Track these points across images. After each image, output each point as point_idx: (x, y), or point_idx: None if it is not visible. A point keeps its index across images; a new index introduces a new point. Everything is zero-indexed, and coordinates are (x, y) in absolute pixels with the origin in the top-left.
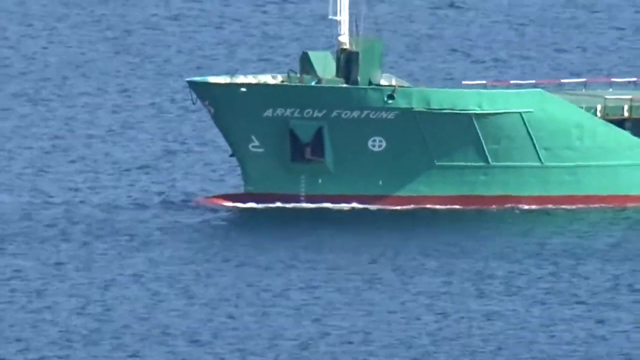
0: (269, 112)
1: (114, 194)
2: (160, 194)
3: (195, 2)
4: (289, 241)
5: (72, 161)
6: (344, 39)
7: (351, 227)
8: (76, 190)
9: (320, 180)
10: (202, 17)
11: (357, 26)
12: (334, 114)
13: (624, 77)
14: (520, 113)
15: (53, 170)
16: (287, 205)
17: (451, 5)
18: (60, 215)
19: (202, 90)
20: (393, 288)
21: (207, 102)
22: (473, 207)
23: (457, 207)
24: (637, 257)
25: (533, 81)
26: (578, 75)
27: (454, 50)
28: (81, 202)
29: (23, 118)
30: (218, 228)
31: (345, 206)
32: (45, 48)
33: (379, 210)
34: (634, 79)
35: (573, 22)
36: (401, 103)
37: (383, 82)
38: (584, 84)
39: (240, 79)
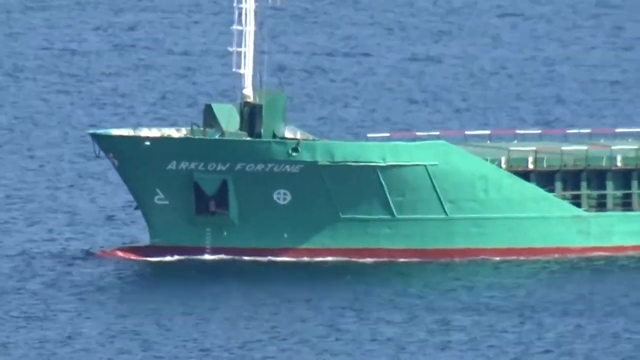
0: (173, 165)
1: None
2: (64, 245)
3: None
4: (196, 293)
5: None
6: (248, 92)
7: (256, 279)
8: None
9: (225, 233)
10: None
11: (260, 79)
12: (238, 167)
13: (529, 129)
14: (424, 165)
15: None
16: (193, 257)
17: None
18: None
19: (106, 143)
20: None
21: (110, 155)
22: (378, 260)
23: (361, 260)
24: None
25: (437, 133)
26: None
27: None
28: None
29: None
30: (125, 281)
31: (250, 259)
32: None
33: (283, 262)
34: (539, 131)
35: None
36: (305, 156)
37: (287, 134)
38: (489, 136)
39: (144, 132)
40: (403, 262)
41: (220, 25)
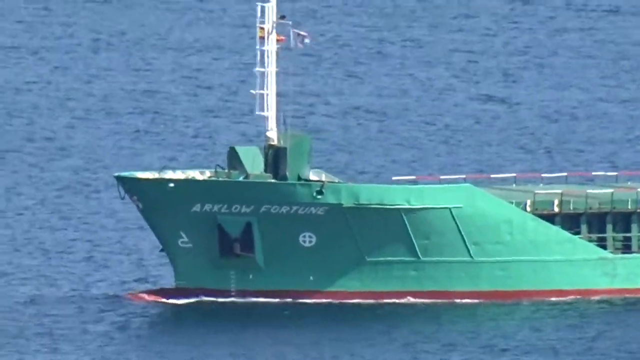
0: (197, 208)
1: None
2: (91, 287)
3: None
4: (226, 337)
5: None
6: (272, 134)
7: (282, 322)
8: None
9: (250, 276)
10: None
11: (285, 122)
12: (263, 209)
13: (553, 173)
14: (449, 208)
15: None
16: (219, 300)
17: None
18: None
19: (130, 186)
20: None
21: (135, 197)
22: (406, 302)
23: (390, 301)
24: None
25: (463, 176)
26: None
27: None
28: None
29: None
30: (153, 324)
31: (276, 301)
32: None
33: (310, 304)
34: (565, 174)
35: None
36: (330, 199)
37: (312, 177)
38: (514, 179)
39: (169, 174)
40: (429, 303)
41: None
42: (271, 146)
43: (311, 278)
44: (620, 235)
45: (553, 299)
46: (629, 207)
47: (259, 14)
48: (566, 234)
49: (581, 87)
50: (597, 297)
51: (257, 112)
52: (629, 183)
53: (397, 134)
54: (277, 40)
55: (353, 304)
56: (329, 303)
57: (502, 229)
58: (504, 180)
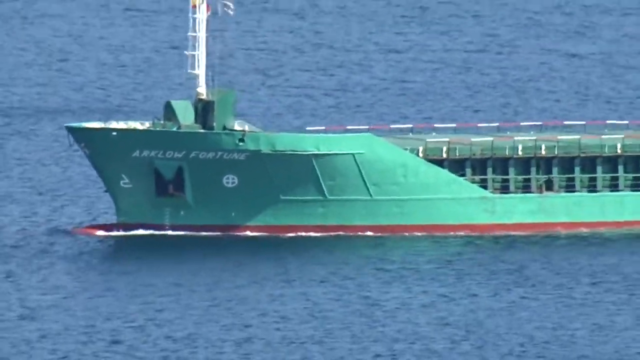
0: (136, 153)
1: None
2: (40, 223)
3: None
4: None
5: None
6: (202, 90)
7: (211, 252)
8: None
9: (182, 212)
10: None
11: (213, 79)
12: (193, 154)
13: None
14: (352, 154)
15: None
16: (155, 233)
17: None
18: None
19: (79, 134)
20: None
21: (82, 145)
22: (314, 234)
23: (300, 234)
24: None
25: (367, 127)
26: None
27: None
28: None
29: None
30: (98, 256)
31: (204, 234)
32: None
33: (233, 237)
34: (454, 125)
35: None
36: (250, 146)
37: (236, 127)
38: (411, 129)
39: (112, 125)
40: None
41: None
42: (200, 100)
43: (233, 214)
44: (499, 178)
45: (440, 232)
46: (507, 153)
47: None
48: (453, 176)
49: None
50: (478, 232)
51: (189, 71)
52: (507, 133)
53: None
54: (207, 9)
55: (269, 236)
56: (251, 236)
57: (397, 172)
58: (401, 130)
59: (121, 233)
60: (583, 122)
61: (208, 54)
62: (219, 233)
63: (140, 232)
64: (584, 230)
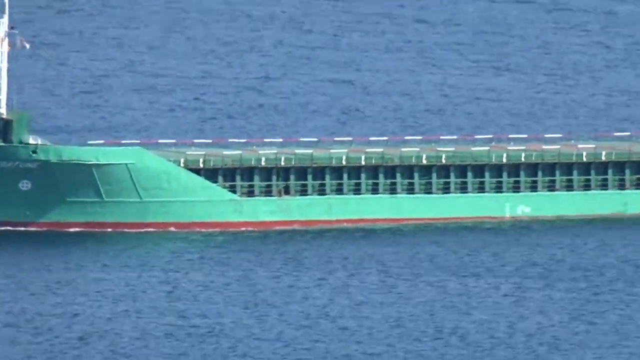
0: None
1: None
2: None
3: None
4: None
5: None
6: (3, 110)
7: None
8: None
9: None
10: None
11: (12, 101)
12: None
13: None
14: (125, 164)
15: None
16: None
17: None
18: None
19: None
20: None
21: None
22: (94, 230)
23: (82, 230)
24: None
25: (138, 141)
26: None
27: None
28: None
29: None
30: None
31: (3, 229)
32: None
33: (24, 232)
34: (210, 140)
35: None
36: (42, 156)
37: (31, 141)
38: (174, 144)
39: None
40: (111, 231)
41: None
42: (2, 119)
43: (27, 213)
44: (246, 184)
45: (198, 229)
46: (252, 163)
47: None
48: (208, 183)
49: None
50: (230, 229)
51: None
52: (254, 147)
53: None
54: (8, 45)
55: (57, 232)
56: (47, 231)
57: (162, 179)
58: (168, 144)
59: None
60: (316, 139)
61: (9, 80)
62: (16, 228)
63: None
64: (317, 227)
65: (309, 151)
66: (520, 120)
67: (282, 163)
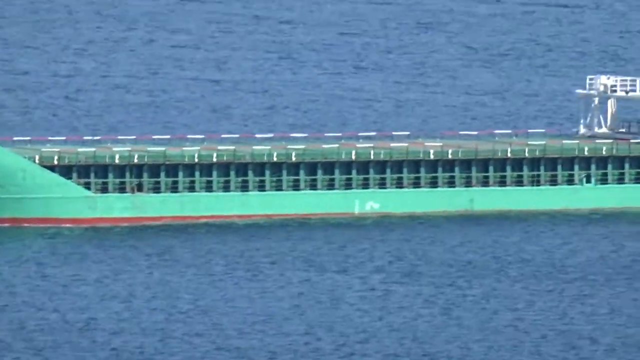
0: None
1: None
2: None
3: None
4: None
5: None
6: None
7: None
8: None
9: None
10: None
11: None
12: None
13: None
14: None
15: None
16: None
17: None
18: None
19: None
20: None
21: None
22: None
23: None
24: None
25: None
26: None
27: None
28: None
29: None
30: None
31: None
32: None
33: None
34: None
35: None
36: None
37: None
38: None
39: None
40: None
41: None
42: None
43: None
44: (100, 181)
45: (51, 224)
46: (107, 160)
47: None
48: (63, 179)
49: None
50: (82, 225)
51: None
52: (108, 144)
53: None
54: None
55: None
56: None
57: (18, 175)
58: (23, 141)
59: None
60: (168, 136)
61: None
62: None
63: None
64: (169, 222)
65: (162, 149)
66: (384, 118)
67: (136, 160)
